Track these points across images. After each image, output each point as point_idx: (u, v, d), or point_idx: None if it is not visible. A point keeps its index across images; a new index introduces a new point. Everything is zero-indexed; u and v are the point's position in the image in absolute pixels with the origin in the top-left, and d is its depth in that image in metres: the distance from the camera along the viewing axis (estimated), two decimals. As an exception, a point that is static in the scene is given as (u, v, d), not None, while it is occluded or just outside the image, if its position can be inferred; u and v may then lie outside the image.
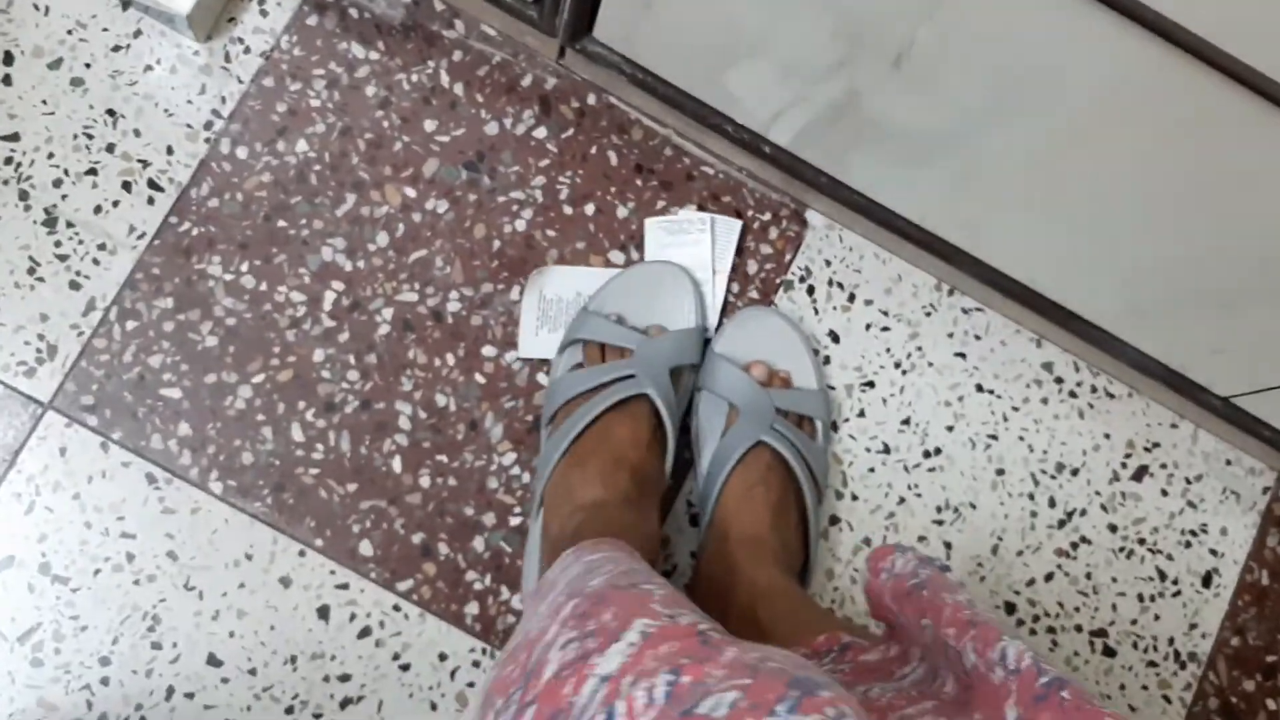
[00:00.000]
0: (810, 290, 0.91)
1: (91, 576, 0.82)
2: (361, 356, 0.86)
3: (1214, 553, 0.92)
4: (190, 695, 0.81)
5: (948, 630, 0.50)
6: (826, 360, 0.90)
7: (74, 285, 0.84)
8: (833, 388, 0.90)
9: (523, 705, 0.42)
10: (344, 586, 0.84)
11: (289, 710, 0.82)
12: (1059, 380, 0.92)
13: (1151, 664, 0.90)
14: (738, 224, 0.90)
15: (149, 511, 0.83)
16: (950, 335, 0.92)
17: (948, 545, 0.89)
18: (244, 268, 0.86)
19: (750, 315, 0.87)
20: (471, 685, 0.84)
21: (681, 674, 0.37)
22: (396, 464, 0.86)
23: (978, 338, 0.92)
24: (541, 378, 0.88)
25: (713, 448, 0.82)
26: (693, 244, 0.89)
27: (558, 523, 0.76)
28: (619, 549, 0.58)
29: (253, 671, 0.82)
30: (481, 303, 0.88)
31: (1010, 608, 0.89)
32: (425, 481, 0.86)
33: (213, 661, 0.82)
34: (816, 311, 0.90)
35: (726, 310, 0.89)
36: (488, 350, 0.88)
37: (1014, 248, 0.81)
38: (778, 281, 0.90)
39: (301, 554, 0.84)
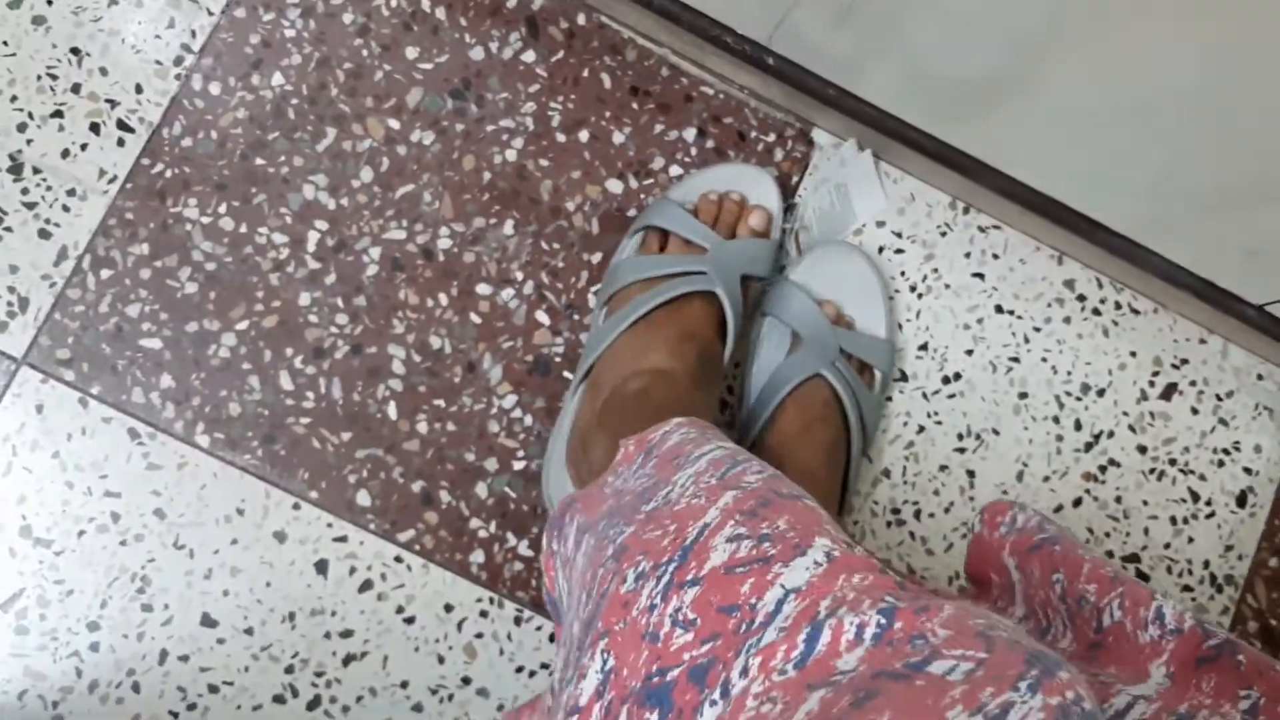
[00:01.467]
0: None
1: (75, 538, 0.79)
2: (350, 299, 0.83)
3: (1248, 471, 0.90)
4: (185, 658, 0.79)
5: (1087, 586, 0.49)
6: (838, 286, 0.87)
7: (44, 234, 0.81)
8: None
9: (680, 582, 0.40)
10: (342, 539, 0.81)
11: (289, 669, 0.80)
12: (1081, 298, 0.90)
13: (1187, 589, 0.88)
14: (868, 156, 0.87)
15: (133, 468, 0.80)
16: (967, 255, 0.89)
17: (970, 473, 0.87)
18: (222, 209, 0.83)
19: (833, 251, 0.84)
20: (479, 636, 0.81)
21: (895, 618, 0.36)
22: (392, 410, 0.83)
23: (996, 256, 0.89)
24: (542, 316, 0.85)
25: (768, 372, 0.80)
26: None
27: (614, 383, 0.74)
28: (726, 440, 0.55)
29: (249, 631, 0.80)
30: (474, 238, 0.85)
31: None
32: (423, 427, 0.83)
33: (207, 622, 0.79)
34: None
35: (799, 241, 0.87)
36: (482, 288, 0.85)
37: (1035, 156, 0.79)
38: (786, 205, 0.87)
39: (296, 507, 0.81)
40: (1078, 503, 0.88)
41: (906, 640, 0.35)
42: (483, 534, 0.82)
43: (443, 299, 0.84)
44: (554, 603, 0.55)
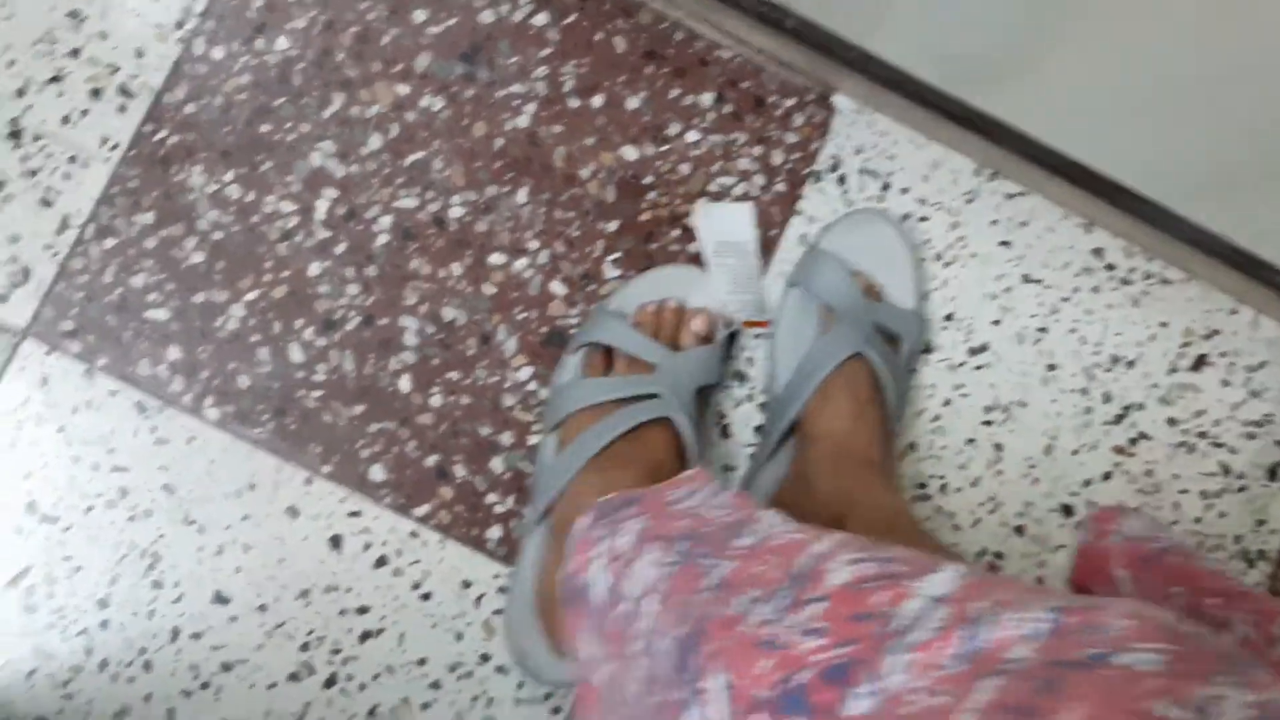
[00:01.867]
0: (841, 180, 0.86)
1: (83, 514, 0.78)
2: (361, 269, 0.82)
3: (1280, 444, 0.88)
4: (197, 635, 0.78)
5: (1211, 600, 0.47)
6: (861, 254, 0.86)
7: (45, 202, 0.79)
8: (869, 283, 0.85)
9: (801, 601, 0.41)
10: (356, 514, 0.80)
11: (304, 646, 0.78)
12: (1110, 267, 0.88)
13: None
14: (745, 207, 0.84)
15: (141, 443, 0.78)
16: (994, 223, 0.87)
17: (998, 447, 0.85)
18: (228, 177, 0.81)
19: (863, 219, 0.82)
20: (498, 613, 0.80)
21: (1066, 614, 0.36)
22: (405, 383, 0.81)
23: (1023, 224, 0.87)
24: (557, 286, 0.83)
25: (799, 352, 0.78)
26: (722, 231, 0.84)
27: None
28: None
29: (263, 608, 0.78)
30: (486, 207, 0.83)
31: (1068, 510, 0.85)
32: (436, 401, 0.81)
33: (219, 599, 0.78)
34: (849, 204, 0.85)
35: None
36: (495, 258, 0.83)
37: (1062, 119, 0.76)
38: (804, 173, 0.85)
39: (308, 482, 0.79)
40: (1107, 476, 0.86)
41: (1083, 631, 0.35)
42: (499, 509, 0.81)
43: (456, 269, 0.83)
44: (576, 586, 0.54)
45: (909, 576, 0.40)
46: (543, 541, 0.76)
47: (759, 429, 0.84)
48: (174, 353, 0.79)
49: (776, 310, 0.82)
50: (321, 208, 0.82)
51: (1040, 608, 0.37)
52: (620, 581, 0.50)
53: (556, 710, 0.80)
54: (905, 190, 0.86)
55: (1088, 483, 0.86)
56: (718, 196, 0.84)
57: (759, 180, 0.85)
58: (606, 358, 0.79)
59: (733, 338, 0.83)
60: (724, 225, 0.83)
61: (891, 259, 0.82)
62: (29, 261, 0.79)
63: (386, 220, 0.82)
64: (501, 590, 0.80)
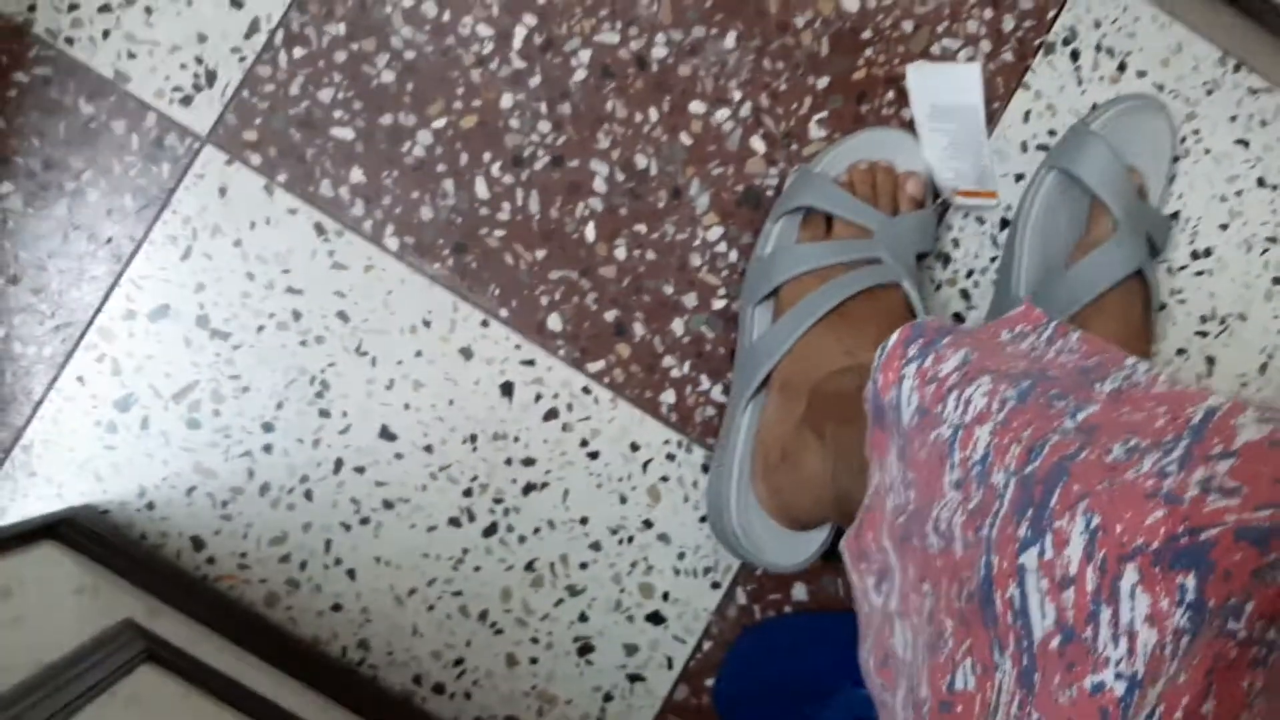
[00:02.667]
0: (1074, 55, 0.79)
1: (254, 334, 0.76)
2: (554, 105, 0.77)
3: None
4: (360, 469, 0.76)
5: None
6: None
7: (235, 3, 0.76)
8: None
9: (1205, 455, 0.36)
10: (530, 363, 0.77)
11: (467, 492, 0.76)
12: (1354, 179, 0.81)
13: None
14: (973, 67, 0.77)
15: (317, 265, 0.76)
16: (1233, 119, 0.80)
17: (1210, 360, 0.80)
18: (425, -7, 0.77)
19: (1144, 110, 0.76)
20: (665, 480, 0.77)
21: None
22: (590, 231, 0.77)
23: (1264, 123, 0.81)
24: (757, 143, 0.78)
25: (1059, 244, 0.73)
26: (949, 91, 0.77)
27: (816, 382, 0.67)
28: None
29: (429, 449, 0.76)
30: (691, 49, 0.78)
31: None
32: (621, 253, 0.78)
33: (385, 435, 0.76)
34: (1080, 82, 0.79)
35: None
36: (696, 106, 0.78)
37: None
38: (1036, 43, 0.79)
39: (485, 324, 0.76)
40: (1322, 403, 0.81)
41: None
42: (675, 373, 0.78)
43: (653, 114, 0.78)
44: (879, 406, 0.50)
45: None
46: (763, 408, 0.72)
47: (959, 317, 0.79)
48: (357, 175, 0.76)
49: (1026, 190, 0.76)
50: (519, 35, 0.77)
51: None
52: (936, 405, 0.45)
53: (716, 585, 0.78)
54: (1142, 74, 0.80)
55: (1300, 408, 0.81)
56: (940, 59, 0.79)
57: (985, 46, 0.79)
58: (817, 223, 0.74)
59: (945, 207, 0.78)
60: (944, 87, 0.77)
61: (1160, 158, 0.76)
62: (215, 64, 0.76)
63: (585, 55, 0.78)
64: (670, 457, 0.77)
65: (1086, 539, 0.36)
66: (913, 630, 0.45)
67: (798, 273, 0.71)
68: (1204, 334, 0.80)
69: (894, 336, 0.50)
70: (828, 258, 0.71)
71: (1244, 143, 0.81)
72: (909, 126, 0.78)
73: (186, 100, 0.76)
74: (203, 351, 0.75)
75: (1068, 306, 0.70)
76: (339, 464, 0.76)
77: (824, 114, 0.79)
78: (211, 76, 0.76)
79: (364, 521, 0.76)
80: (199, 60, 0.76)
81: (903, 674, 0.46)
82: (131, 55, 0.75)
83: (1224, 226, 0.80)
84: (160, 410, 0.75)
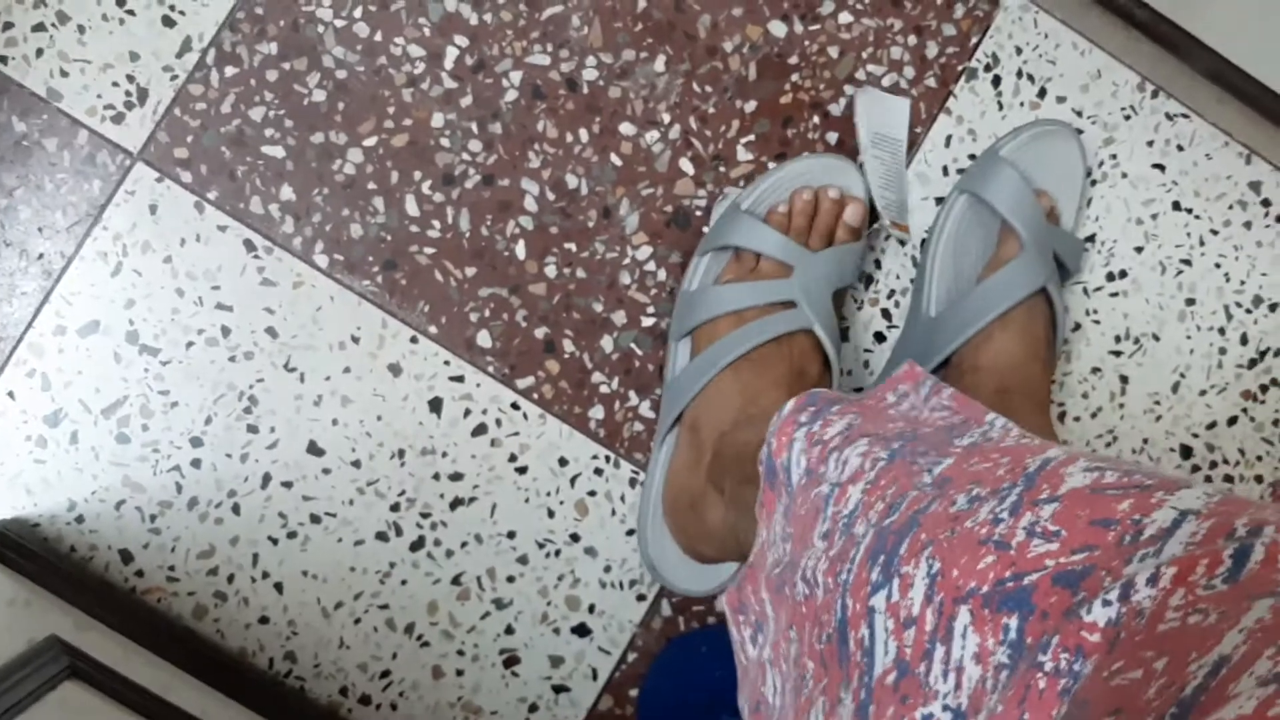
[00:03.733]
0: (995, 81, 0.82)
1: (184, 349, 0.77)
2: (485, 125, 0.79)
3: None
4: (288, 484, 0.77)
5: None
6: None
7: (168, 21, 0.77)
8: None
9: (1032, 501, 0.39)
10: (459, 379, 0.79)
11: (394, 507, 0.78)
12: (1266, 203, 0.84)
13: (1335, 524, 0.85)
14: (904, 102, 0.80)
15: (247, 282, 0.77)
16: (1150, 144, 0.83)
17: (1124, 379, 0.83)
18: (357, 13, 0.78)
19: (1055, 136, 0.78)
20: (593, 494, 0.79)
21: None
22: (520, 249, 0.79)
23: (1180, 148, 0.84)
24: (686, 164, 0.80)
25: (970, 265, 0.75)
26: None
27: (721, 430, 0.70)
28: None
29: (356, 464, 0.78)
30: (621, 72, 0.80)
31: (1187, 451, 0.83)
32: (551, 271, 0.80)
33: (313, 450, 0.78)
34: (1001, 107, 0.82)
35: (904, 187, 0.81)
36: (626, 128, 0.80)
37: (1259, 36, 0.72)
38: (959, 69, 0.82)
39: (413, 340, 0.78)
40: (1232, 421, 0.84)
41: None
42: (604, 389, 0.80)
43: (583, 135, 0.80)
44: (771, 467, 0.53)
45: (1159, 489, 0.38)
46: (675, 446, 0.75)
47: (880, 336, 0.81)
48: (287, 192, 0.78)
49: (939, 212, 0.79)
50: (451, 55, 0.79)
51: None
52: (820, 466, 0.49)
53: (641, 598, 0.80)
54: (1062, 99, 0.83)
55: (1211, 425, 0.84)
56: (865, 84, 0.81)
57: (909, 72, 0.82)
58: (745, 259, 0.76)
59: (877, 235, 0.80)
60: (882, 116, 0.79)
61: (1071, 181, 0.78)
62: (146, 82, 0.77)
63: (516, 76, 0.79)
64: (598, 472, 0.80)
65: (928, 583, 0.39)
66: (781, 677, 0.48)
67: (712, 316, 0.73)
68: (1118, 353, 0.83)
69: (789, 405, 0.54)
70: (743, 301, 0.73)
71: (1160, 167, 0.84)
72: (843, 152, 0.81)
73: (118, 118, 0.77)
74: (132, 367, 0.77)
75: (973, 321, 0.73)
76: (267, 478, 0.77)
77: (751, 137, 0.81)
78: (143, 94, 0.77)
79: (291, 535, 0.78)
80: (131, 78, 0.77)
81: (773, 718, 0.49)
82: (64, 73, 0.77)
83: (1139, 249, 0.83)
84: (90, 425, 0.77)
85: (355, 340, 0.78)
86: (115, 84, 0.77)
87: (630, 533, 0.80)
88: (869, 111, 0.79)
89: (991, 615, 0.37)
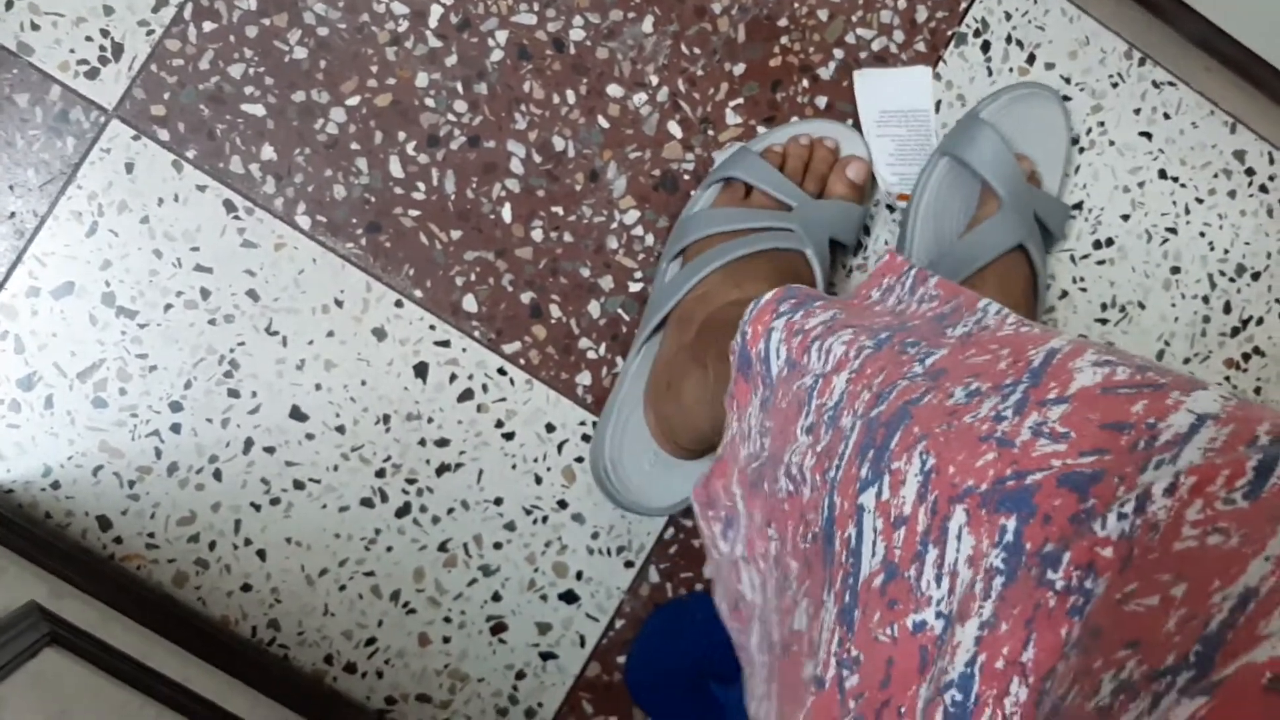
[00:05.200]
0: (985, 47, 0.82)
1: (161, 312, 0.76)
2: (470, 85, 0.78)
3: (1397, 375, 0.87)
4: (270, 450, 0.76)
5: None
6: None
7: (142, -27, 0.75)
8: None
9: (1039, 400, 0.37)
10: (444, 344, 0.78)
11: (380, 473, 0.77)
12: (1250, 172, 0.85)
13: (1313, 490, 0.86)
14: (924, 71, 0.80)
15: (227, 243, 0.76)
16: (1137, 111, 0.84)
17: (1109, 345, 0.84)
18: (339, -31, 0.77)
19: (1036, 98, 0.79)
20: (580, 460, 0.79)
21: None
22: (506, 212, 0.79)
23: (1167, 116, 0.84)
24: (674, 127, 0.80)
25: (950, 226, 0.75)
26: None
27: (713, 313, 0.70)
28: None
29: (340, 429, 0.77)
30: (609, 33, 0.79)
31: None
32: (537, 234, 0.79)
33: (296, 415, 0.77)
34: (990, 73, 0.82)
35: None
36: (613, 90, 0.79)
37: (1247, 2, 0.73)
38: (949, 34, 0.82)
39: (398, 304, 0.77)
40: (1215, 389, 0.85)
41: None
42: (591, 355, 0.79)
43: (570, 96, 0.79)
44: (746, 357, 0.52)
45: (1174, 387, 0.36)
46: (656, 343, 0.75)
47: (868, 301, 0.82)
48: (268, 152, 0.76)
49: (920, 174, 0.79)
50: (435, 13, 0.78)
51: None
52: (802, 356, 0.47)
53: (629, 565, 0.80)
54: (1050, 65, 0.83)
55: (1195, 394, 0.85)
56: (854, 48, 0.81)
57: (899, 36, 0.81)
58: (736, 191, 0.76)
59: (888, 210, 0.80)
60: (893, 91, 0.79)
61: (1054, 145, 0.79)
62: (121, 36, 0.75)
63: (502, 35, 0.78)
64: (585, 438, 0.79)
65: (921, 480, 0.37)
66: (760, 575, 0.47)
67: (708, 233, 0.74)
68: (1104, 321, 0.84)
69: (767, 294, 0.52)
70: (738, 221, 0.73)
71: (1147, 135, 0.84)
72: (832, 116, 0.81)
73: (92, 73, 0.75)
74: (109, 329, 0.75)
75: (952, 278, 0.73)
76: (249, 444, 0.76)
77: (740, 100, 0.80)
78: (118, 50, 0.75)
79: (274, 502, 0.77)
80: (105, 33, 0.75)
81: (754, 617, 0.47)
82: (35, 27, 0.75)
83: (1126, 217, 0.84)
84: (65, 389, 0.75)
85: (339, 304, 0.77)
86: (89, 38, 0.75)
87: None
88: (869, 91, 0.79)
89: (989, 515, 0.35)
